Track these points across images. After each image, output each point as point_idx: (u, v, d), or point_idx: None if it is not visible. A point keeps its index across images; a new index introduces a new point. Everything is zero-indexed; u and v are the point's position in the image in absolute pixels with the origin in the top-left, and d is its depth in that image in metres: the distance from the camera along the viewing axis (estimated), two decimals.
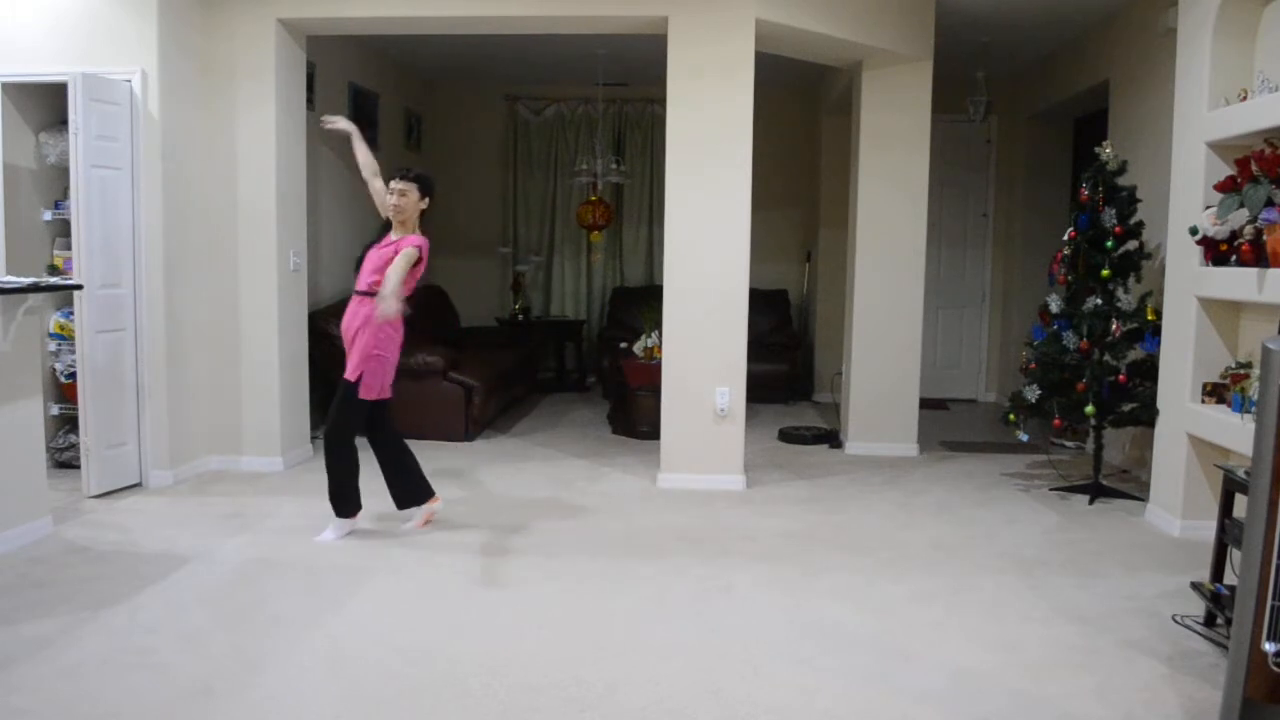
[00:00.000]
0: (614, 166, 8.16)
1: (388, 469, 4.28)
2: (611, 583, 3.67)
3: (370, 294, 4.02)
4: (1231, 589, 3.06)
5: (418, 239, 4.06)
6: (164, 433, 5.00)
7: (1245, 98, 3.98)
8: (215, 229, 5.24)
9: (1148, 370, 4.83)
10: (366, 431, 4.19)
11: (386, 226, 4.23)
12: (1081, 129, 7.39)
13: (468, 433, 6.21)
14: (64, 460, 5.13)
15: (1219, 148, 4.16)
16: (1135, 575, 3.83)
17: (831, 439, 6.38)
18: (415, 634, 3.15)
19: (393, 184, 4.13)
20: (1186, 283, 4.33)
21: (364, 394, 4.05)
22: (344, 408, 4.07)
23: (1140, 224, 4.93)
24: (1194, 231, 4.17)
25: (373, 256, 4.12)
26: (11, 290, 3.73)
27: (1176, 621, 3.31)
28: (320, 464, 5.50)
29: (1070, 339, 4.94)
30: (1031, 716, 2.66)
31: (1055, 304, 5.05)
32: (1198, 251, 4.23)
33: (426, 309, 7.65)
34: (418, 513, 4.34)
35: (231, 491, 4.91)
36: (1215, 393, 4.20)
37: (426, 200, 4.17)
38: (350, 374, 4.05)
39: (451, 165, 8.88)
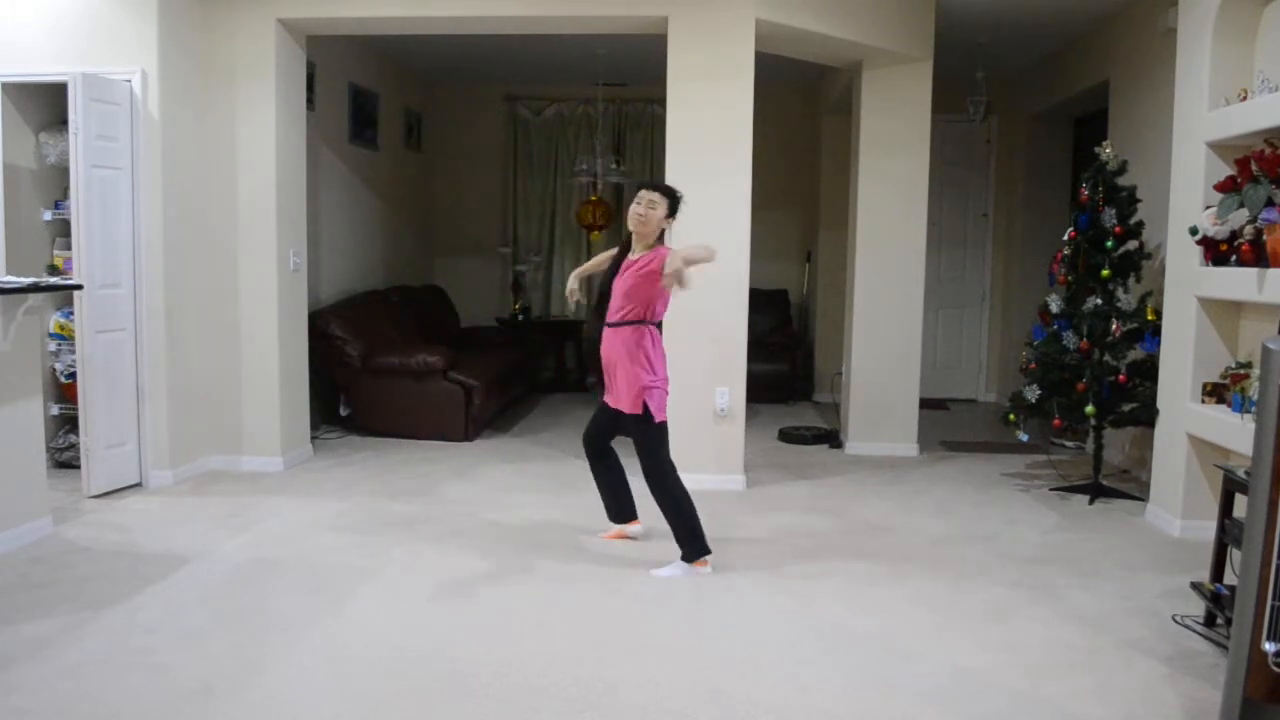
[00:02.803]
0: (614, 166, 8.16)
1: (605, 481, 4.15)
2: (611, 582, 3.67)
3: (623, 324, 3.78)
4: (1231, 589, 3.06)
5: (666, 249, 3.78)
6: (164, 433, 5.00)
7: (1245, 98, 3.98)
8: (215, 229, 5.24)
9: (1148, 370, 4.84)
10: (597, 443, 4.08)
11: (625, 247, 3.93)
12: (1081, 129, 7.39)
13: (468, 433, 6.21)
14: (64, 460, 5.13)
15: (1219, 148, 4.16)
16: (1135, 575, 3.83)
17: (831, 439, 6.38)
18: (415, 634, 3.15)
19: (642, 193, 3.81)
20: (1186, 283, 4.33)
21: (658, 417, 3.82)
22: (644, 442, 3.84)
23: (1140, 224, 4.92)
24: (1194, 231, 4.17)
25: (621, 282, 3.80)
26: (11, 290, 3.73)
27: (1176, 621, 3.31)
28: (321, 464, 5.54)
29: (1070, 339, 4.94)
30: (1031, 716, 2.66)
31: (1055, 304, 5.05)
32: (1198, 251, 4.23)
33: (427, 309, 7.67)
34: (615, 527, 4.21)
35: (231, 491, 4.91)
36: (1215, 393, 4.20)
37: (671, 220, 3.84)
38: (633, 409, 3.79)
39: (451, 165, 8.89)
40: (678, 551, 3.83)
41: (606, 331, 3.87)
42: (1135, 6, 5.59)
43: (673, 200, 3.83)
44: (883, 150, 5.93)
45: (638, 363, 3.79)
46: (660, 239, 3.86)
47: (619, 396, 3.86)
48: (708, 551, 3.81)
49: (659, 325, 3.91)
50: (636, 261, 3.79)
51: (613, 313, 3.84)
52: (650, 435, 3.83)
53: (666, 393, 3.90)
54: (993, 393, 8.32)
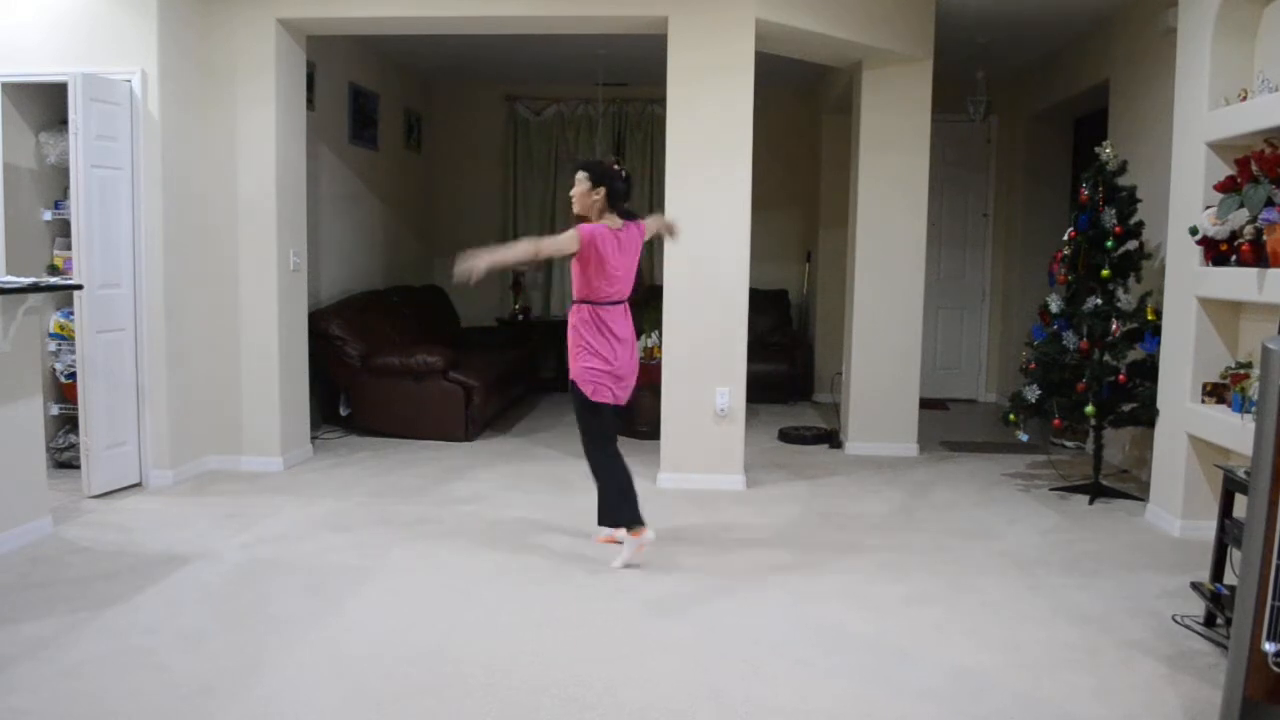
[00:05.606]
0: (614, 167, 8.14)
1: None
2: (612, 582, 3.67)
3: (574, 302, 3.94)
4: (1231, 589, 3.06)
5: (586, 225, 3.87)
6: (164, 433, 5.00)
7: (1245, 98, 3.98)
8: (215, 229, 5.24)
9: (1148, 370, 4.83)
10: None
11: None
12: (1081, 129, 7.39)
13: (468, 433, 6.21)
14: (64, 460, 5.13)
15: (1219, 148, 4.16)
16: (1135, 575, 3.83)
17: (831, 439, 6.38)
18: (416, 634, 3.15)
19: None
20: (1186, 283, 4.33)
21: (594, 398, 3.85)
22: (578, 417, 3.95)
23: (1140, 224, 4.93)
24: (1194, 231, 4.17)
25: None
26: (11, 290, 3.73)
27: (1176, 621, 3.31)
28: (321, 464, 5.54)
29: (1070, 339, 4.94)
30: (1031, 716, 2.66)
31: (1055, 304, 5.05)
32: (1198, 251, 4.23)
33: (427, 309, 7.67)
34: (606, 531, 4.11)
35: (231, 491, 4.91)
36: (1215, 393, 4.20)
37: (599, 190, 3.91)
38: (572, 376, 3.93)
39: (451, 165, 8.89)
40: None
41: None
42: (1135, 6, 5.59)
43: (591, 171, 3.96)
44: (883, 150, 5.93)
45: (575, 342, 3.91)
46: (602, 214, 3.92)
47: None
48: (641, 523, 3.86)
49: (600, 304, 3.87)
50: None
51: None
52: (585, 413, 3.92)
53: (606, 375, 3.87)
54: (993, 393, 8.32)
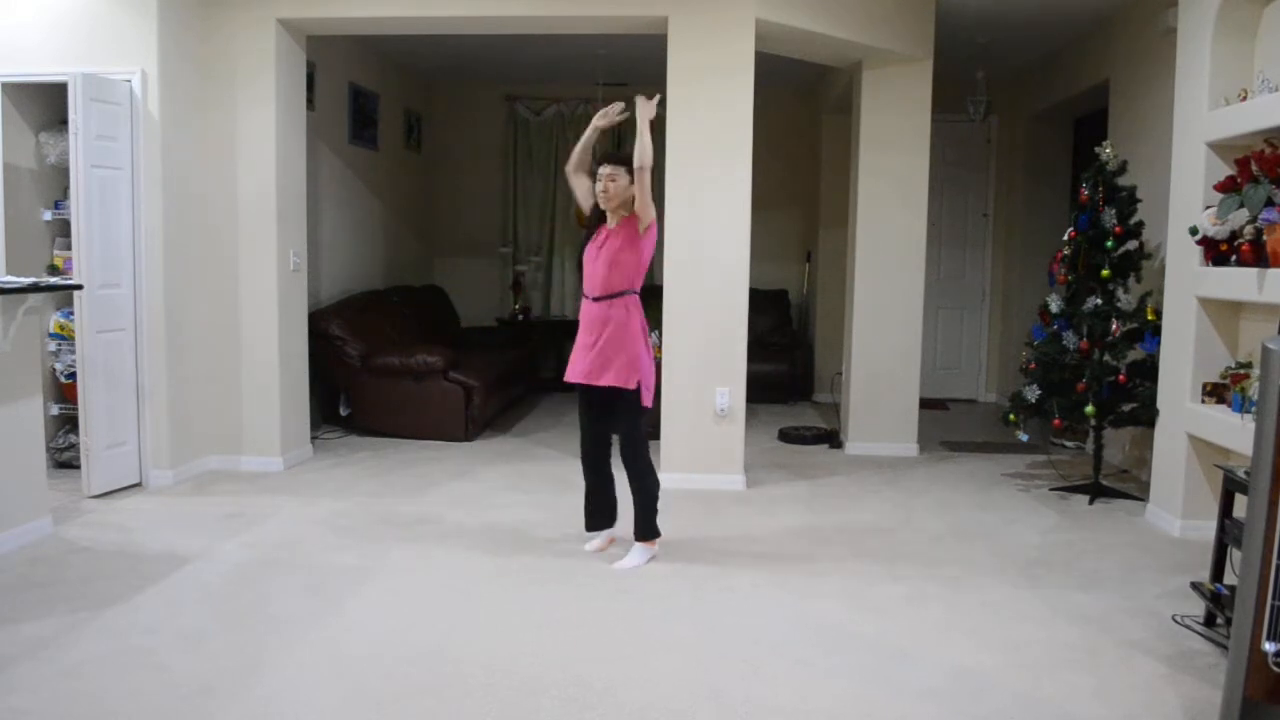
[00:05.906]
0: None
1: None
2: (611, 583, 3.67)
3: (608, 296, 3.74)
4: (1231, 589, 3.06)
5: (636, 216, 3.74)
6: (164, 433, 5.00)
7: (1245, 98, 3.98)
8: (215, 229, 5.24)
9: (1148, 370, 4.84)
10: (596, 454, 4.01)
11: (598, 219, 3.87)
12: (1081, 129, 7.39)
13: (468, 433, 6.21)
14: (64, 460, 5.13)
15: (1219, 148, 4.16)
16: (1135, 575, 3.83)
17: (831, 439, 6.38)
18: (416, 634, 3.15)
19: (601, 169, 3.76)
20: (1186, 283, 4.33)
21: (647, 401, 3.80)
22: (631, 419, 3.82)
23: (1140, 224, 4.93)
24: (1194, 231, 4.17)
25: (594, 253, 3.78)
26: (11, 290, 3.73)
27: (1176, 621, 3.31)
28: (321, 464, 5.54)
29: (1070, 339, 4.94)
30: (1031, 716, 2.66)
31: (1055, 304, 5.06)
32: (1198, 251, 4.23)
33: (427, 309, 7.67)
34: (601, 537, 4.09)
35: (231, 491, 4.91)
36: (1215, 393, 4.20)
37: (635, 184, 3.73)
38: (622, 381, 3.73)
39: (451, 165, 8.88)
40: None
41: (590, 306, 3.80)
42: (1135, 6, 5.59)
43: (629, 165, 3.75)
44: (883, 150, 5.93)
45: (633, 338, 3.75)
46: (631, 207, 3.76)
47: (602, 371, 3.75)
48: (658, 534, 3.93)
49: (639, 296, 3.87)
50: (614, 231, 3.78)
51: (595, 286, 3.77)
52: (639, 417, 3.84)
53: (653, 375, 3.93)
54: (993, 393, 8.32)
